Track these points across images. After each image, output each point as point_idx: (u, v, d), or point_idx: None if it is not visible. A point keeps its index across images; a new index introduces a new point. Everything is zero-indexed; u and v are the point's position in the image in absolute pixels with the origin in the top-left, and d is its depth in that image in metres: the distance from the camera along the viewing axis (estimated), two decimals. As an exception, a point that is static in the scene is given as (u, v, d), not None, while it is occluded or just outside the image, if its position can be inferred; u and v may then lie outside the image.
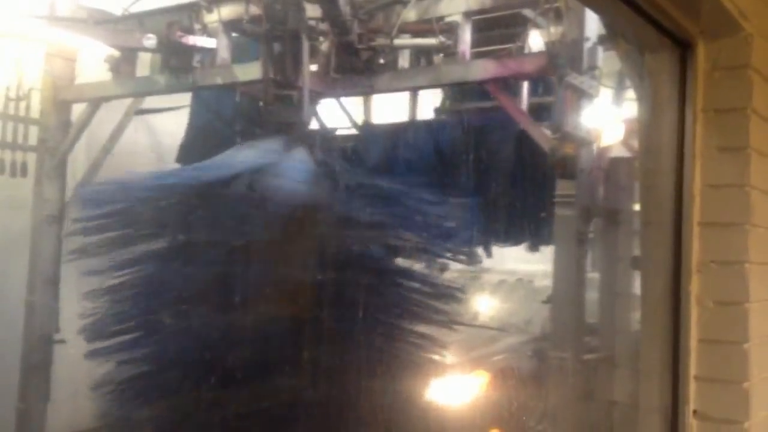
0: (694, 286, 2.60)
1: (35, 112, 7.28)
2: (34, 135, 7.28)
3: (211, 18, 6.35)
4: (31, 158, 7.23)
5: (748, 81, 2.62)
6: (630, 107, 5.34)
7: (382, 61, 6.23)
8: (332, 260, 5.09)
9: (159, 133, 8.09)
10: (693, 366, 2.59)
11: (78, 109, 7.37)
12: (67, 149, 7.34)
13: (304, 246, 4.99)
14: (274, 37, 5.27)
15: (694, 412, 2.59)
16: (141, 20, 6.62)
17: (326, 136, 5.89)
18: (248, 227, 4.98)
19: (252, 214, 5.02)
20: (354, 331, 5.10)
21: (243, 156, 5.42)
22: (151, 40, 6.20)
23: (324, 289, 5.10)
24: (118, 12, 6.73)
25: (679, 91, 2.71)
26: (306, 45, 5.32)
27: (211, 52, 6.41)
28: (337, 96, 6.77)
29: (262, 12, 5.42)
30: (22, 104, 7.19)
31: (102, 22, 6.65)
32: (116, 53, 6.62)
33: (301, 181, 5.11)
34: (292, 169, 5.10)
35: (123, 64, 6.83)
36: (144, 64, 6.98)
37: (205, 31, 6.42)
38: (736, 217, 2.58)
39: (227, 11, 6.22)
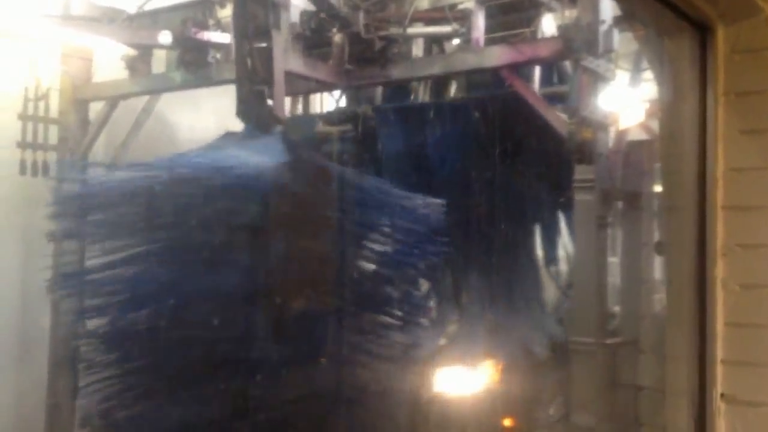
0: (719, 270, 2.59)
1: (54, 112, 7.36)
2: (53, 134, 7.36)
3: (225, 13, 6.37)
4: (51, 158, 7.31)
5: (769, 63, 2.60)
6: (647, 89, 5.32)
7: (395, 50, 6.21)
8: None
9: (177, 128, 8.13)
10: (720, 350, 2.59)
11: (96, 108, 7.45)
12: (86, 147, 7.42)
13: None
14: (245, 34, 5.30)
15: (722, 395, 2.60)
16: (155, 17, 6.66)
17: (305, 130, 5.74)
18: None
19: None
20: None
21: (223, 151, 5.36)
22: (165, 37, 6.24)
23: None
24: (132, 10, 6.77)
25: (700, 75, 2.69)
26: (282, 40, 5.33)
27: (225, 48, 6.45)
28: (351, 86, 6.75)
29: (231, 10, 5.46)
30: (41, 104, 7.27)
31: (116, 20, 6.70)
32: (132, 51, 6.65)
33: (273, 179, 5.02)
34: (267, 166, 5.03)
35: (139, 61, 6.88)
36: (159, 62, 7.03)
37: (219, 26, 6.46)
38: (760, 200, 2.56)
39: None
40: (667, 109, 2.79)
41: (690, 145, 2.69)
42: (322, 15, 5.91)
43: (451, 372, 5.45)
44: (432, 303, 6.34)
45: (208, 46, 6.43)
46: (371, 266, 5.48)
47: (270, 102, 5.09)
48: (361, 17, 6.03)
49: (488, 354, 5.59)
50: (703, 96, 2.69)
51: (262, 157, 5.12)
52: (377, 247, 5.49)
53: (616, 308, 4.95)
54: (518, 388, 5.53)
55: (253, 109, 5.12)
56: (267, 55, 5.06)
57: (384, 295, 5.50)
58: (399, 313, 5.55)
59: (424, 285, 6.42)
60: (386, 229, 5.51)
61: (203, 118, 7.75)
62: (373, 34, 6.08)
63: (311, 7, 5.96)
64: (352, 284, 5.25)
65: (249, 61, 5.08)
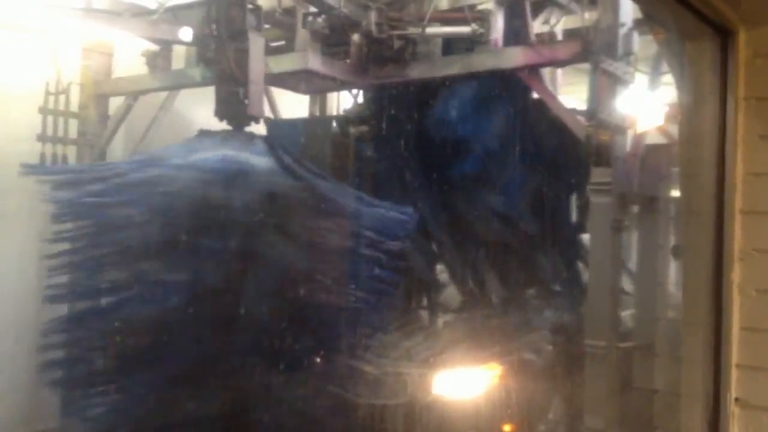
0: (736, 275, 2.59)
1: (74, 106, 7.43)
2: (73, 128, 7.44)
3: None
4: (71, 151, 7.39)
5: (791, 68, 2.60)
6: (665, 92, 5.30)
7: (414, 50, 6.23)
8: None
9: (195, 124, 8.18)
10: (735, 354, 2.59)
11: (116, 103, 7.52)
12: (105, 142, 7.49)
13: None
14: (220, 36, 5.40)
15: (736, 399, 2.59)
16: (176, 13, 6.70)
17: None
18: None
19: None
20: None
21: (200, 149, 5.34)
22: (186, 33, 6.28)
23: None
24: (153, 5, 6.83)
25: (721, 79, 2.69)
26: (260, 42, 5.39)
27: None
28: (369, 85, 6.77)
29: (206, 13, 5.56)
30: (62, 98, 7.35)
31: (138, 15, 6.75)
32: (153, 47, 6.71)
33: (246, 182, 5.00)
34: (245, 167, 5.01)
35: (159, 57, 6.93)
36: (179, 58, 7.08)
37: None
38: (779, 205, 2.56)
39: (262, 2, 6.26)
40: (686, 113, 2.79)
41: (709, 149, 2.69)
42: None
43: (451, 375, 5.24)
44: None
45: (227, 42, 6.46)
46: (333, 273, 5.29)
47: (246, 102, 5.19)
48: (373, 16, 6.05)
49: (490, 356, 5.42)
50: (723, 100, 2.68)
51: (229, 157, 5.10)
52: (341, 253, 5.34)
53: (631, 312, 4.94)
54: (519, 392, 5.33)
55: (230, 109, 5.24)
56: (243, 57, 5.18)
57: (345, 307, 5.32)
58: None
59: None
60: (354, 236, 5.35)
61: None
62: (387, 33, 6.11)
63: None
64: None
65: (226, 63, 5.20)
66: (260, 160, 5.22)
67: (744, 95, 2.64)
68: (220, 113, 5.35)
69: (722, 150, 2.66)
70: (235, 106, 5.25)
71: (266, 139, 5.35)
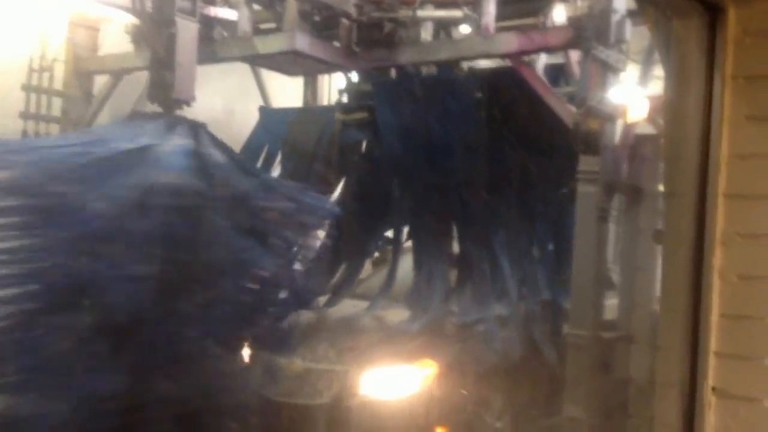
0: (717, 259, 2.51)
1: (58, 84, 7.30)
2: (57, 106, 7.32)
3: (233, -11, 6.30)
4: (54, 129, 7.27)
5: (781, 47, 2.51)
6: (658, 84, 5.21)
7: (404, 34, 6.12)
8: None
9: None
10: (713, 341, 2.51)
11: (100, 81, 7.40)
12: (89, 121, 7.36)
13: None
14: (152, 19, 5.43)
15: (713, 389, 2.52)
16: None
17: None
18: None
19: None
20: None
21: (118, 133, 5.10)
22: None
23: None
24: (140, -18, 6.69)
25: (708, 58, 2.60)
26: (191, 26, 5.37)
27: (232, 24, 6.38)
28: (359, 69, 6.68)
29: None
30: (46, 75, 7.22)
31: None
32: (137, 22, 6.58)
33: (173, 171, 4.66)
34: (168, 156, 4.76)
35: (144, 34, 6.80)
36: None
37: (227, 2, 6.38)
38: (764, 188, 2.48)
39: (248, -19, 6.17)
40: (672, 92, 2.70)
41: (694, 130, 2.61)
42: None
43: (381, 373, 4.79)
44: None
45: (214, 21, 6.36)
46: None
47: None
48: (363, -3, 5.98)
49: (428, 353, 4.92)
50: (709, 79, 2.60)
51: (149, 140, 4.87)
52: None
53: (615, 301, 4.86)
54: (457, 392, 4.87)
55: (159, 93, 5.21)
56: (171, 41, 5.16)
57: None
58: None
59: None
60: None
61: (209, 95, 7.67)
62: (365, 16, 6.02)
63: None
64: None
65: (158, 47, 5.23)
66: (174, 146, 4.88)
67: (731, 74, 2.55)
68: (151, 96, 5.36)
69: (707, 131, 2.59)
70: (163, 90, 5.25)
71: (193, 125, 5.12)
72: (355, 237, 6.58)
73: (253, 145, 7.19)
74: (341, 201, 6.62)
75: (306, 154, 6.84)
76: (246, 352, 5.09)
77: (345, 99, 6.99)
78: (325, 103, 8.12)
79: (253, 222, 4.87)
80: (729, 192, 2.53)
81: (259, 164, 6.95)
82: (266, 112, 7.56)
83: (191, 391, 4.50)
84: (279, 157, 7.12)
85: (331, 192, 6.65)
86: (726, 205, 2.52)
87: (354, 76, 7.00)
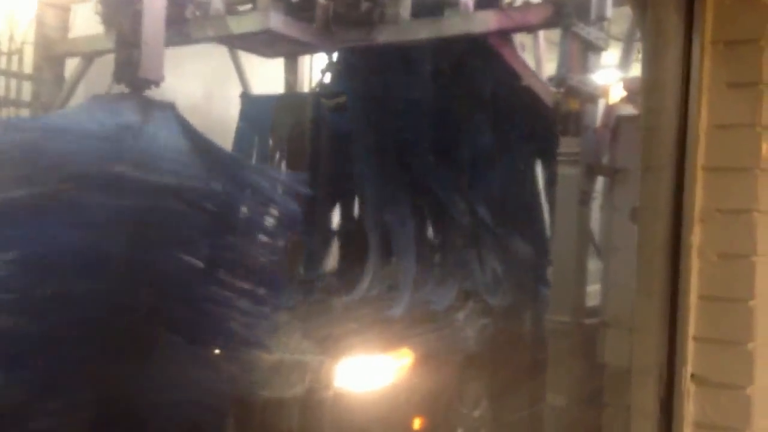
0: (695, 237, 2.35)
1: (28, 67, 7.09)
2: (27, 91, 7.11)
3: (206, -33, 6.10)
4: (25, 114, 7.06)
5: (764, 9, 2.34)
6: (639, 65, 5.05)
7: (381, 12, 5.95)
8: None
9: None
10: (692, 325, 2.36)
11: (71, 64, 7.18)
12: (61, 105, 7.14)
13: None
14: None
15: (692, 375, 2.37)
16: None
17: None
18: None
19: None
20: None
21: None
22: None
23: None
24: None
25: (686, 22, 2.44)
26: (159, 3, 5.22)
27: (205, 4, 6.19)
28: (335, 49, 6.50)
29: None
30: (15, 58, 7.02)
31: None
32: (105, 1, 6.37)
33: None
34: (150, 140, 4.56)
35: (115, 15, 6.59)
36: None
37: (199, -19, 6.19)
38: (745, 161, 2.32)
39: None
40: (648, 59, 2.53)
41: (671, 99, 2.44)
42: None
43: (356, 363, 4.61)
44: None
45: (187, 1, 6.16)
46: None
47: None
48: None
49: (404, 342, 4.72)
50: (688, 44, 2.44)
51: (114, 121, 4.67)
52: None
53: (597, 287, 4.71)
54: (435, 382, 4.67)
55: (125, 72, 5.02)
56: (137, 18, 4.99)
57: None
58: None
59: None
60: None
61: (186, 79, 7.46)
62: None
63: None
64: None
65: (123, 24, 5.09)
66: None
67: (711, 39, 2.39)
68: (117, 76, 5.17)
69: (685, 100, 2.42)
70: (130, 69, 5.07)
71: (160, 105, 4.92)
72: (328, 222, 6.43)
73: (242, 141, 7.02)
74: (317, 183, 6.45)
75: (293, 141, 6.76)
76: (216, 345, 4.90)
77: (327, 79, 6.83)
78: (306, 85, 7.94)
79: (214, 210, 4.67)
80: (708, 165, 2.37)
81: (253, 160, 6.80)
82: (248, 99, 7.37)
83: (160, 384, 4.34)
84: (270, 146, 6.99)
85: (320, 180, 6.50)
86: (705, 179, 2.37)
87: (335, 56, 6.83)
